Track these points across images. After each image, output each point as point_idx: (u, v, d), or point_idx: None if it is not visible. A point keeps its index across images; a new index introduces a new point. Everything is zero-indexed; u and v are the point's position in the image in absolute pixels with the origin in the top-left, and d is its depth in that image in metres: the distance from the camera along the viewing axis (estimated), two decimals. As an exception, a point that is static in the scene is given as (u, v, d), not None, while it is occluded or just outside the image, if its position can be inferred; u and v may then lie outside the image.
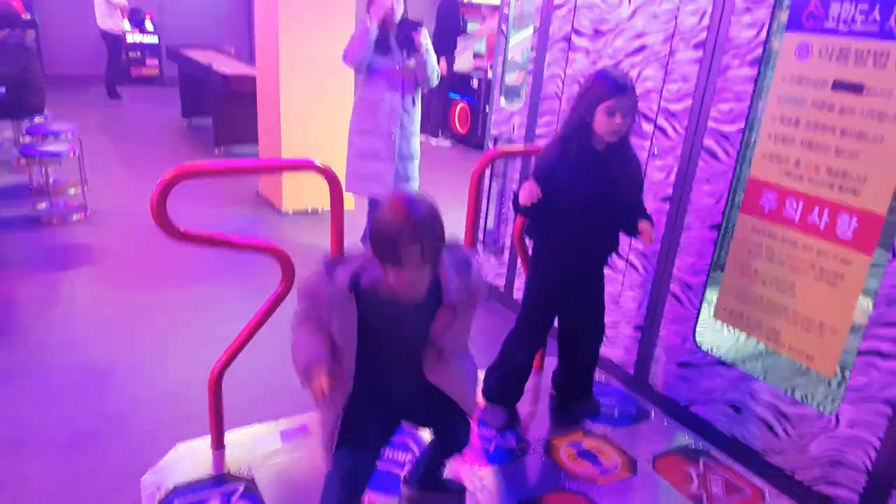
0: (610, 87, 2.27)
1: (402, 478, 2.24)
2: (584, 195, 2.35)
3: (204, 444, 2.41)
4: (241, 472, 2.30)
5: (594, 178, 2.34)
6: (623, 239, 2.60)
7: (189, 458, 2.35)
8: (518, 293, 3.96)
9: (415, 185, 4.54)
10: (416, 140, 4.51)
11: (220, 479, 2.27)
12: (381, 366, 1.80)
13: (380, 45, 4.19)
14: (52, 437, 2.71)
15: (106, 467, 2.54)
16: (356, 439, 1.83)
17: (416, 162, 4.55)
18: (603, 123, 2.28)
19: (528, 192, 2.28)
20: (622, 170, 2.39)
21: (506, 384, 2.69)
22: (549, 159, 2.40)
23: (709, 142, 2.73)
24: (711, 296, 2.93)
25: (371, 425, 1.86)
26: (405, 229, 1.57)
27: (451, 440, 2.05)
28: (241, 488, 2.22)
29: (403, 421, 2.03)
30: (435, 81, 4.38)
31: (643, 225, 2.39)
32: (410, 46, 4.21)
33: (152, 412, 2.88)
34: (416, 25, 4.22)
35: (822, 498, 2.49)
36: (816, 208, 2.41)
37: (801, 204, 2.46)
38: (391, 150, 4.34)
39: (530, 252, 2.67)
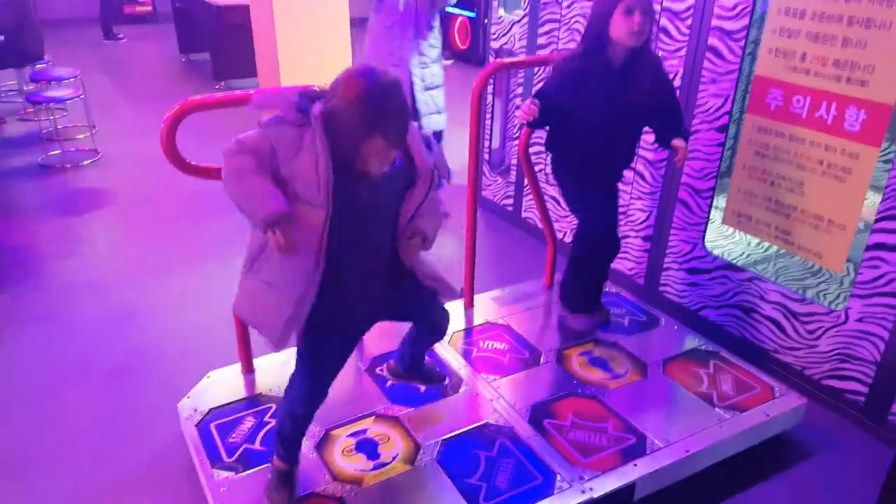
0: None
1: (386, 367, 2.31)
2: (598, 113, 2.33)
3: (234, 370, 2.52)
4: (271, 393, 2.41)
5: (612, 96, 2.31)
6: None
7: (222, 384, 2.46)
8: (526, 212, 3.99)
9: (443, 118, 4.29)
10: (439, 67, 4.23)
11: (253, 399, 2.39)
12: (350, 254, 1.65)
13: None
14: (89, 369, 2.84)
15: (143, 396, 2.67)
16: (318, 348, 1.77)
17: (442, 90, 4.26)
18: (622, 27, 2.21)
19: (526, 110, 2.27)
20: (643, 84, 2.32)
21: (585, 291, 2.75)
22: (560, 80, 2.36)
23: (713, 41, 2.67)
24: (720, 204, 2.94)
25: (335, 330, 1.77)
26: (375, 106, 1.48)
27: (433, 327, 2.02)
28: (273, 407, 2.33)
29: (378, 320, 1.92)
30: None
31: (678, 142, 2.33)
32: None
33: (182, 345, 3.00)
34: None
35: (831, 391, 2.57)
36: (824, 103, 2.38)
37: (808, 100, 2.43)
38: (406, 80, 3.99)
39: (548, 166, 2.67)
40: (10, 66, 5.99)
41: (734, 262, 2.96)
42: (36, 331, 3.09)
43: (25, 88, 6.22)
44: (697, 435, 2.22)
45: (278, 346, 1.64)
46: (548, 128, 2.51)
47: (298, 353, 1.84)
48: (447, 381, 2.39)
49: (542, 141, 3.39)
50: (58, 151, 5.23)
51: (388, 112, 1.51)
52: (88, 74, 6.32)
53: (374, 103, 1.49)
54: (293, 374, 1.88)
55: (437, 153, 1.74)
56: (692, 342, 2.73)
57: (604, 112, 2.33)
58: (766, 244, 3.19)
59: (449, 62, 8.75)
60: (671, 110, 2.41)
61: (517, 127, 3.74)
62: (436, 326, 2.02)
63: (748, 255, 3.20)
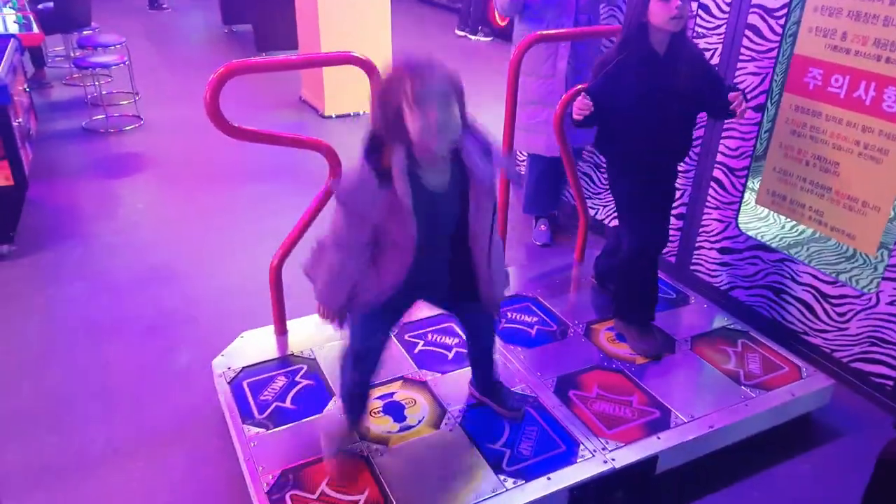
0: None
1: (469, 381, 2.30)
2: (649, 102, 2.29)
3: (268, 331, 2.60)
4: (303, 354, 2.48)
5: (659, 84, 2.28)
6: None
7: (255, 343, 2.54)
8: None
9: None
10: None
11: (285, 360, 2.46)
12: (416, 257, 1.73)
13: None
14: (128, 326, 2.95)
15: (178, 353, 2.77)
16: (371, 317, 1.84)
17: None
18: (661, 12, 2.19)
19: (580, 106, 2.26)
20: (688, 70, 2.30)
21: (634, 303, 2.58)
22: (606, 73, 2.32)
23: (753, 18, 2.64)
24: (754, 185, 2.92)
25: (389, 305, 1.83)
26: (413, 64, 1.52)
27: (478, 331, 2.10)
28: (305, 368, 2.41)
29: (422, 301, 2.00)
30: None
31: (733, 94, 2.27)
32: None
33: (217, 305, 3.09)
34: None
35: (859, 374, 2.55)
36: (863, 83, 2.34)
37: (847, 79, 2.39)
38: (559, 92, 3.14)
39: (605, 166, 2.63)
40: (59, 32, 6.14)
41: (768, 244, 2.94)
42: (77, 288, 3.22)
43: (72, 54, 6.37)
44: (722, 411, 2.24)
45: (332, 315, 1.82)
46: (597, 128, 2.48)
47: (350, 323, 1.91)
48: (523, 410, 2.22)
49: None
50: (102, 116, 5.36)
51: (422, 78, 1.52)
52: (133, 42, 6.44)
53: (406, 72, 1.52)
54: (348, 335, 1.96)
55: (498, 157, 1.72)
56: (721, 321, 2.73)
57: (654, 101, 2.29)
58: (800, 228, 3.16)
59: (489, 38, 8.72)
60: (720, 90, 2.35)
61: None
62: (483, 337, 2.12)
63: (781, 239, 3.17)
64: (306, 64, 3.31)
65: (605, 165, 2.79)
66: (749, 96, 2.72)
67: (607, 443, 2.09)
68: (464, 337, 2.19)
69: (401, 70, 1.53)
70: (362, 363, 1.96)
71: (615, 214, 3.47)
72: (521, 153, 3.70)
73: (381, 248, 1.72)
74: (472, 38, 8.76)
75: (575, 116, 2.30)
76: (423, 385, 2.33)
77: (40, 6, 5.89)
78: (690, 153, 3.01)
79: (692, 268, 3.15)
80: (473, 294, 1.86)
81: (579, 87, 2.49)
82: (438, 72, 1.53)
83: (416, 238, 1.65)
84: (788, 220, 3.00)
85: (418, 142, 1.55)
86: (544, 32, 2.69)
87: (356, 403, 2.06)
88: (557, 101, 2.75)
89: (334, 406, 2.20)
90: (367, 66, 2.16)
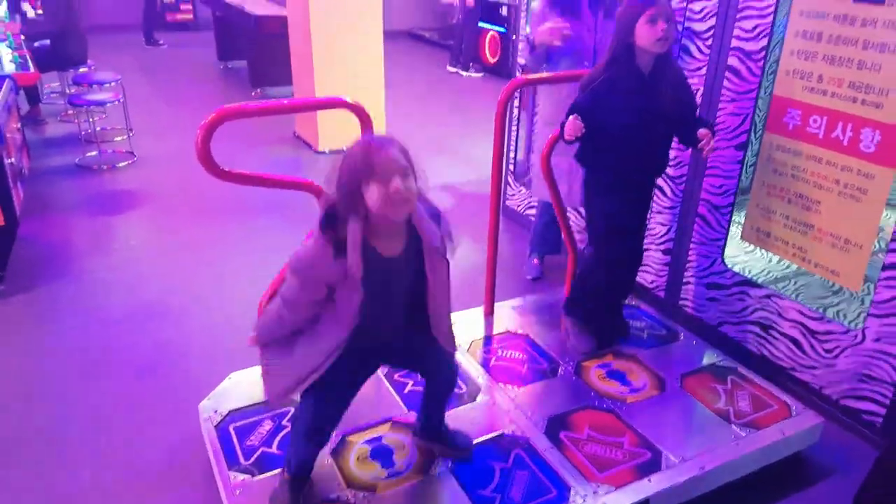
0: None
1: (412, 431, 2.27)
2: (632, 120, 2.38)
3: (255, 372, 2.58)
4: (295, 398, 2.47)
5: (642, 102, 2.37)
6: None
7: (242, 386, 2.53)
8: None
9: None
10: None
11: (271, 403, 2.45)
12: (366, 317, 1.76)
13: (566, 5, 3.04)
14: (118, 365, 2.94)
15: (166, 393, 2.76)
16: (327, 386, 1.83)
17: None
18: (647, 35, 2.29)
19: (572, 128, 2.32)
20: (670, 90, 2.40)
21: (593, 313, 2.76)
22: (593, 89, 2.41)
23: (733, 60, 2.69)
24: (739, 218, 2.95)
25: (345, 373, 1.85)
26: (374, 142, 1.61)
27: (439, 379, 2.08)
28: (291, 410, 2.39)
29: (382, 365, 2.07)
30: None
31: (703, 131, 2.36)
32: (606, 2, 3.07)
33: (207, 343, 3.09)
34: None
35: (848, 411, 2.56)
36: (840, 124, 2.39)
37: (824, 120, 2.44)
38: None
39: (582, 181, 2.70)
40: (55, 70, 6.20)
41: (755, 278, 2.96)
42: (69, 325, 3.22)
43: (68, 91, 6.43)
44: (713, 452, 2.23)
45: (273, 402, 1.91)
46: (579, 142, 2.54)
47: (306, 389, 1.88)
48: (472, 449, 2.23)
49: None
50: (95, 152, 5.39)
51: (392, 141, 1.63)
52: (128, 78, 6.52)
53: (368, 149, 1.61)
54: (300, 406, 1.95)
55: (445, 226, 1.80)
56: (710, 357, 2.74)
57: (636, 119, 2.38)
58: (787, 261, 3.18)
59: (480, 74, 8.85)
60: (693, 119, 2.47)
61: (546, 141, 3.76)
62: (444, 382, 2.09)
63: (769, 272, 3.19)
64: (298, 108, 3.36)
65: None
66: (731, 135, 2.77)
67: (599, 486, 2.08)
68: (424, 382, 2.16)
69: (362, 147, 1.61)
70: (316, 437, 1.95)
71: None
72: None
73: (322, 315, 1.77)
74: (464, 73, 8.88)
75: (566, 137, 2.37)
76: (412, 428, 2.32)
77: (37, 44, 5.97)
78: (675, 189, 3.06)
79: (681, 303, 3.17)
80: (429, 340, 1.90)
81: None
82: (396, 147, 1.63)
83: (362, 309, 1.71)
84: (775, 255, 3.03)
85: (379, 212, 1.62)
86: (529, 77, 2.74)
87: (308, 466, 2.01)
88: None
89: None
90: (359, 112, 2.20)
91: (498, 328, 2.93)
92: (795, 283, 3.11)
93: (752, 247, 3.18)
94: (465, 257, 3.90)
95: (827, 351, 2.57)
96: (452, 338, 1.97)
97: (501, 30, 8.55)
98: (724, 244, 2.91)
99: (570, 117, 2.34)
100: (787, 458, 2.37)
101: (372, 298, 1.72)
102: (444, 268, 1.81)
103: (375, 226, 1.67)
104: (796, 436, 2.35)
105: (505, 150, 2.80)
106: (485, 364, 2.67)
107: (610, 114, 2.37)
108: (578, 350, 2.74)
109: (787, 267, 3.22)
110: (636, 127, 2.39)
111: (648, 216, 2.78)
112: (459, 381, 2.50)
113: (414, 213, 1.69)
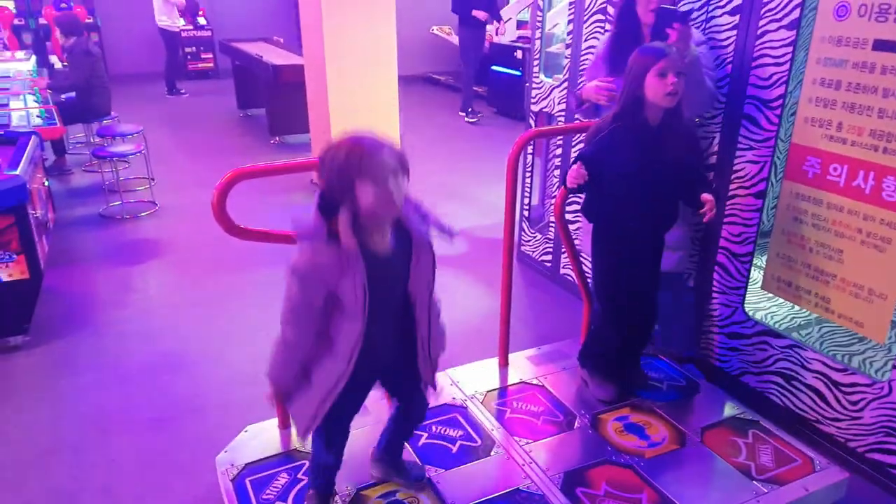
0: (655, 52, 2.30)
1: (371, 453, 2.29)
2: (639, 173, 2.35)
3: (271, 424, 2.59)
4: (306, 449, 2.44)
5: (649, 156, 2.35)
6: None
7: (258, 438, 2.52)
8: (564, 269, 4.01)
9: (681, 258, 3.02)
10: None
11: (288, 455, 2.44)
12: (369, 323, 1.78)
13: (615, 64, 2.76)
14: (136, 418, 2.95)
15: (183, 446, 2.76)
16: (338, 409, 1.87)
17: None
18: (656, 88, 2.27)
19: (575, 175, 2.32)
20: (678, 144, 2.38)
21: (608, 364, 2.73)
22: (600, 140, 2.40)
23: (749, 109, 2.69)
24: (759, 262, 2.91)
25: (352, 392, 1.87)
26: (367, 143, 1.62)
27: (412, 410, 2.12)
28: (307, 463, 2.36)
29: (376, 386, 2.07)
30: (709, 106, 2.81)
31: (706, 196, 2.34)
32: None
33: (224, 395, 3.09)
34: (678, 17, 2.57)
35: (875, 465, 2.48)
36: (861, 172, 2.36)
37: (845, 168, 2.42)
38: None
39: (590, 233, 2.67)
40: (80, 122, 6.37)
41: (778, 325, 2.91)
42: (88, 378, 3.24)
43: (92, 141, 6.60)
44: (733, 509, 2.17)
45: (304, 436, 1.91)
46: (584, 194, 2.54)
47: None
48: (424, 480, 2.29)
49: (579, 200, 3.41)
50: (118, 203, 5.49)
51: (378, 156, 1.62)
52: (150, 127, 6.68)
53: (364, 150, 1.63)
54: (314, 437, 2.04)
55: (434, 220, 1.82)
56: (731, 409, 2.68)
57: (642, 172, 2.36)
58: (810, 309, 3.13)
59: (474, 120, 8.73)
60: (698, 178, 2.46)
61: (555, 187, 3.77)
62: (415, 413, 2.14)
63: (792, 319, 3.14)
64: (310, 167, 3.40)
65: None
66: (748, 183, 2.75)
67: (616, 545, 2.03)
68: (394, 413, 2.19)
69: (358, 147, 1.63)
70: (333, 448, 2.05)
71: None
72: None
73: (332, 319, 1.77)
74: (468, 120, 8.79)
75: (569, 185, 2.36)
76: (426, 482, 2.29)
77: (63, 97, 6.15)
78: (694, 238, 3.04)
79: (701, 353, 3.12)
80: (413, 362, 1.92)
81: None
82: (390, 149, 1.65)
83: (365, 300, 1.70)
84: (796, 303, 2.98)
85: (369, 211, 1.64)
86: (541, 129, 2.76)
87: (331, 480, 2.14)
88: None
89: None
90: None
91: (513, 379, 2.89)
92: (820, 329, 3.05)
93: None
94: (478, 304, 3.88)
95: (852, 403, 2.51)
96: (431, 348, 1.94)
97: (517, 73, 8.62)
98: (745, 293, 2.87)
99: (574, 165, 2.34)
100: (813, 516, 2.30)
101: (372, 299, 1.72)
102: (430, 259, 1.83)
103: (364, 224, 1.69)
104: (820, 491, 2.28)
105: (520, 197, 2.81)
106: (499, 417, 2.63)
107: (616, 166, 2.35)
108: (599, 398, 2.70)
109: (811, 313, 3.16)
110: (642, 180, 2.37)
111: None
112: (474, 435, 2.49)
113: (402, 211, 1.73)
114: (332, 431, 2.00)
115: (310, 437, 2.00)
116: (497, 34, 8.80)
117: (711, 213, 2.34)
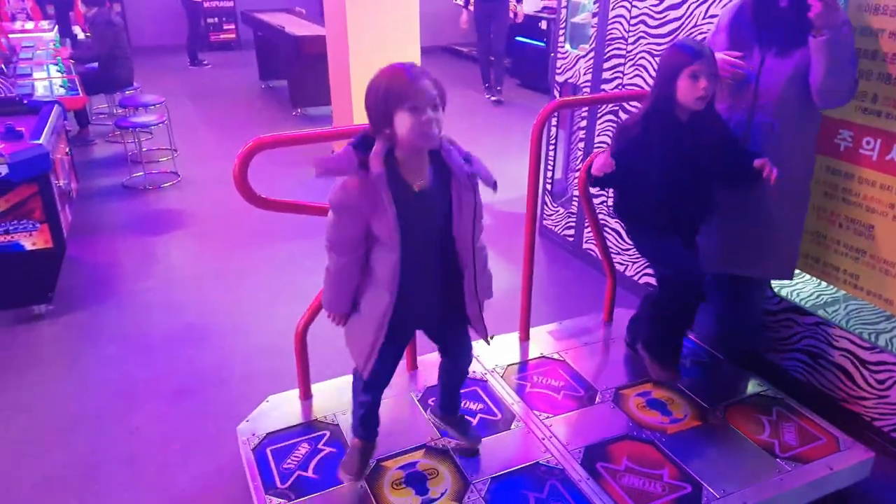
0: (689, 52, 2.20)
1: (430, 405, 2.35)
2: (672, 170, 2.28)
3: (293, 395, 2.60)
4: (326, 420, 2.47)
5: (680, 150, 2.27)
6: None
7: (280, 408, 2.54)
8: (587, 244, 3.96)
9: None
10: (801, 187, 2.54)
11: (309, 426, 2.45)
12: (406, 263, 1.78)
13: (737, 36, 2.42)
14: (157, 389, 2.98)
15: (206, 417, 2.79)
16: (383, 346, 1.89)
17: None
18: (688, 91, 2.19)
19: (603, 163, 2.27)
20: (711, 128, 2.30)
21: (667, 342, 2.62)
22: (629, 137, 2.33)
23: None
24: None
25: (396, 332, 1.89)
26: (408, 72, 1.63)
27: (459, 357, 2.14)
28: (328, 434, 2.39)
29: (418, 330, 2.10)
30: (847, 98, 2.31)
31: (759, 161, 2.25)
32: (797, 29, 2.22)
33: (245, 366, 3.12)
34: None
35: (902, 444, 2.44)
36: (895, 146, 2.29)
37: (878, 142, 2.35)
38: None
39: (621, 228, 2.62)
40: (103, 92, 6.40)
41: (803, 302, 2.86)
42: (111, 348, 3.28)
43: (115, 111, 6.62)
44: (756, 486, 2.15)
45: (365, 370, 1.92)
46: (614, 193, 2.48)
47: None
48: (478, 447, 2.30)
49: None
50: (141, 173, 5.53)
51: (418, 84, 1.63)
52: (173, 99, 6.68)
53: (403, 77, 1.64)
54: (355, 368, 2.05)
55: (478, 165, 1.80)
56: (755, 386, 2.65)
57: (676, 169, 2.28)
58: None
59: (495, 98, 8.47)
60: (742, 158, 2.34)
61: (579, 160, 3.71)
62: (462, 360, 2.16)
63: (819, 296, 3.08)
64: (333, 137, 3.37)
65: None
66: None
67: (636, 520, 2.02)
68: (442, 361, 2.21)
69: (395, 75, 1.65)
70: (373, 388, 2.07)
71: (645, 271, 3.44)
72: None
73: (371, 248, 1.80)
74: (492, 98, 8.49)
75: (594, 172, 2.31)
76: (445, 454, 2.29)
77: (85, 67, 6.16)
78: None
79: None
80: (460, 307, 1.92)
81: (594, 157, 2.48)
82: (429, 77, 1.65)
83: (399, 231, 1.70)
84: (824, 280, 2.92)
85: (407, 140, 1.65)
86: (566, 99, 2.71)
87: (371, 421, 2.16)
88: None
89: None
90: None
91: (533, 353, 2.88)
92: (846, 307, 2.99)
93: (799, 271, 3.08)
94: (499, 279, 3.83)
95: (879, 382, 2.47)
96: (479, 293, 1.92)
97: (541, 44, 8.48)
98: (770, 269, 2.82)
99: (605, 153, 2.28)
100: (835, 494, 2.27)
101: (408, 234, 1.73)
102: (472, 199, 1.80)
103: (402, 157, 1.70)
104: (845, 471, 2.25)
105: (543, 170, 2.76)
106: (519, 391, 2.63)
107: (646, 166, 2.28)
108: (662, 381, 2.62)
109: (838, 290, 3.10)
110: (676, 176, 2.28)
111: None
112: (494, 408, 2.49)
113: (442, 147, 1.72)
114: (373, 376, 1.98)
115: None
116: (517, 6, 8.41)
117: (773, 171, 2.21)
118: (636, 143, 2.30)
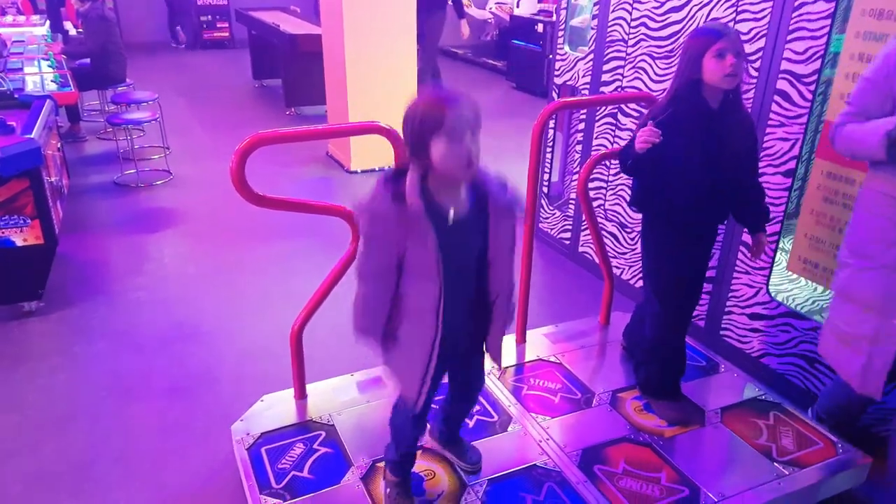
0: (712, 32, 2.14)
1: (428, 428, 2.23)
2: (698, 159, 2.20)
3: (288, 395, 2.57)
4: (322, 420, 2.44)
5: (710, 140, 2.19)
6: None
7: (274, 408, 2.51)
8: (583, 247, 3.96)
9: None
10: None
11: (304, 426, 2.42)
12: (444, 291, 1.72)
13: None
14: (152, 386, 2.94)
15: (199, 416, 2.75)
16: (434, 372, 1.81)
17: None
18: (715, 70, 2.12)
19: (648, 134, 2.13)
20: (739, 129, 2.24)
21: (664, 377, 2.54)
22: (660, 121, 2.20)
23: (782, 84, 2.62)
24: (786, 245, 2.85)
25: (439, 362, 1.82)
26: (447, 97, 1.56)
27: (471, 385, 2.08)
28: (323, 434, 2.37)
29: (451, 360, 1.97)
30: None
31: (760, 237, 2.32)
32: None
33: (240, 365, 3.08)
34: None
35: (899, 449, 2.44)
36: None
37: (879, 147, 2.34)
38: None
39: (640, 227, 2.53)
40: (95, 88, 6.33)
41: (801, 307, 2.86)
42: (102, 345, 3.23)
43: (107, 108, 6.56)
44: (754, 490, 2.14)
45: (419, 406, 1.83)
46: (634, 182, 2.43)
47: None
48: (479, 467, 2.23)
49: (603, 177, 3.37)
50: (133, 171, 5.47)
51: (457, 110, 1.56)
52: (165, 96, 6.62)
53: (443, 103, 1.56)
54: (397, 401, 1.97)
55: (513, 192, 1.75)
56: (752, 391, 2.64)
57: (701, 158, 2.21)
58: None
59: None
60: (752, 175, 2.34)
61: (577, 163, 3.70)
62: (474, 389, 2.10)
63: (814, 302, 3.08)
64: (331, 134, 3.37)
65: (629, 226, 2.73)
66: (778, 161, 2.69)
67: (634, 524, 2.01)
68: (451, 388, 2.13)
69: (434, 100, 1.57)
70: (421, 420, 1.97)
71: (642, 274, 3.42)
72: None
73: (404, 280, 1.71)
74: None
75: (638, 145, 2.16)
76: (442, 456, 2.27)
77: (77, 62, 6.10)
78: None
79: (722, 333, 3.07)
80: (484, 334, 1.88)
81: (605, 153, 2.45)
82: (469, 103, 1.58)
83: (439, 262, 1.64)
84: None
85: (445, 169, 1.58)
86: (567, 100, 2.69)
87: (413, 456, 2.08)
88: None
89: (352, 476, 2.16)
90: (392, 137, 2.17)
91: (530, 355, 2.86)
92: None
93: (796, 275, 3.08)
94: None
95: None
96: (512, 314, 1.91)
97: (536, 48, 8.51)
98: (770, 273, 2.82)
99: (649, 124, 2.16)
100: (832, 499, 2.27)
101: (445, 263, 1.66)
102: (510, 226, 1.75)
103: (438, 184, 1.63)
104: (843, 475, 2.25)
105: (539, 173, 2.75)
106: (516, 393, 2.61)
107: (673, 153, 2.19)
108: (674, 421, 2.48)
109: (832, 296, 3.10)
110: (702, 166, 2.21)
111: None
112: (491, 410, 2.48)
113: (478, 173, 1.66)
114: (424, 407, 1.89)
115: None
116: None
117: (758, 253, 2.31)
118: (664, 129, 2.17)
